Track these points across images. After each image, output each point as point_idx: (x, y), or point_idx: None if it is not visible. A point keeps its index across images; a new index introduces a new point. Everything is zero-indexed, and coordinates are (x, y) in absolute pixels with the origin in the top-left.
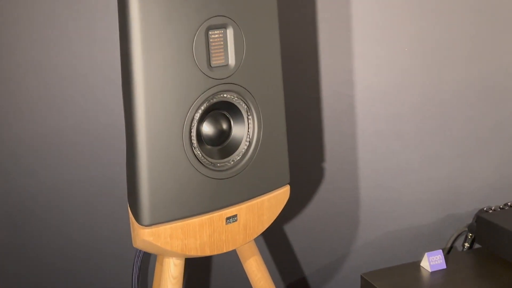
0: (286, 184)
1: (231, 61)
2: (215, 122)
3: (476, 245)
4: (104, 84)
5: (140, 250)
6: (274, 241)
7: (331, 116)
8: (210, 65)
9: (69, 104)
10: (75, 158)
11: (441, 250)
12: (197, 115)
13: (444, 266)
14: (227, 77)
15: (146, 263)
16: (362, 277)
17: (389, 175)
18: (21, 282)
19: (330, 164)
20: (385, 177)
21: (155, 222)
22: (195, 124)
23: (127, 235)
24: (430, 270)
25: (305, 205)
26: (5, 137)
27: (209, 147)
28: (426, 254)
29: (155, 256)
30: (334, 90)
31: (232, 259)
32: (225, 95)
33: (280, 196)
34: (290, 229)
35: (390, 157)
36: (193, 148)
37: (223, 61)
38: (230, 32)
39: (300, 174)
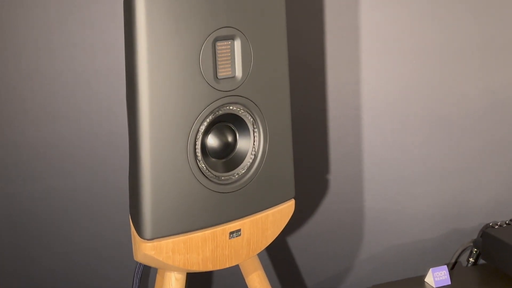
0: (291, 198)
1: (238, 73)
2: (220, 134)
3: (481, 261)
4: (108, 90)
5: (141, 263)
6: (276, 254)
7: (337, 127)
8: (217, 77)
9: (73, 110)
10: (79, 163)
11: (445, 266)
12: (202, 127)
13: (449, 282)
14: (233, 89)
15: (147, 273)
16: None
17: (394, 187)
18: (20, 285)
19: (335, 176)
20: (390, 189)
21: (157, 236)
22: (200, 137)
23: (130, 242)
24: (434, 286)
25: (308, 217)
26: (8, 142)
27: (213, 160)
28: (430, 269)
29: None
30: (341, 102)
31: (233, 271)
32: (231, 108)
33: (284, 211)
34: (293, 242)
35: (395, 169)
36: (198, 160)
37: (230, 73)
38: (237, 44)
39: (304, 186)
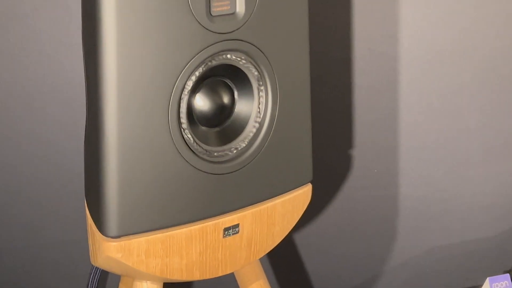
0: (308, 182)
1: (240, 8)
2: (213, 93)
3: None
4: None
5: (98, 268)
6: (280, 256)
7: (364, 85)
8: (210, 13)
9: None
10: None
11: (507, 275)
12: (190, 84)
13: None
14: (233, 31)
15: (104, 278)
16: None
17: (439, 170)
18: None
19: (360, 152)
20: (433, 173)
21: (126, 232)
22: (186, 96)
23: (84, 241)
24: None
25: (323, 209)
26: None
27: (203, 128)
28: (487, 279)
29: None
30: (370, 49)
31: (226, 280)
32: (228, 56)
33: (298, 200)
34: (302, 240)
35: (441, 147)
36: (182, 129)
37: (229, 8)
38: None
39: (318, 165)
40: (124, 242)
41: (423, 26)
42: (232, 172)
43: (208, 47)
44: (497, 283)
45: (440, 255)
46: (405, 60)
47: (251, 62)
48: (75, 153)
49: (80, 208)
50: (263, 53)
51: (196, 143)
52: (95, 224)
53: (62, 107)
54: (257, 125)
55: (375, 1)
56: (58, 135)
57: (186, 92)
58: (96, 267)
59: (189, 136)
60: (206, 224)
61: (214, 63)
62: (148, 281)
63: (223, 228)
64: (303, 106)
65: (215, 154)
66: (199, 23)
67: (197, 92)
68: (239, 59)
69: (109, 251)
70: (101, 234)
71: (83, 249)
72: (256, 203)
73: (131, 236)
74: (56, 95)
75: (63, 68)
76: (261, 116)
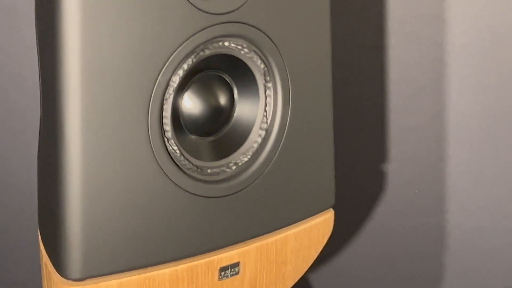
0: (329, 207)
1: None
2: (206, 92)
3: None
4: None
5: None
6: None
7: (402, 81)
8: None
9: None
10: None
11: None
12: (176, 79)
13: None
14: (232, 11)
15: None
16: None
17: (500, 192)
18: None
19: (396, 167)
20: (492, 195)
21: (93, 274)
22: (171, 96)
23: (37, 279)
24: None
25: (348, 242)
26: None
27: (194, 138)
28: None
29: None
30: (409, 33)
31: None
32: (226, 44)
33: (317, 230)
34: (321, 285)
35: (502, 161)
36: (165, 139)
37: None
38: None
39: (342, 186)
40: (90, 287)
41: (477, 2)
42: (230, 194)
43: (199, 31)
44: None
45: None
46: (455, 48)
47: (255, 52)
48: (26, 170)
49: (32, 241)
50: (270, 39)
51: (184, 157)
52: (51, 262)
53: (7, 110)
54: (263, 133)
55: None
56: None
57: (171, 90)
58: None
59: (175, 147)
60: (197, 262)
61: (207, 52)
62: None
63: (218, 268)
64: (323, 108)
65: (209, 171)
66: (189, 0)
67: (185, 91)
68: (239, 47)
69: None
70: (59, 276)
71: None
72: (261, 235)
73: (99, 279)
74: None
75: (7, 57)
76: (269, 122)
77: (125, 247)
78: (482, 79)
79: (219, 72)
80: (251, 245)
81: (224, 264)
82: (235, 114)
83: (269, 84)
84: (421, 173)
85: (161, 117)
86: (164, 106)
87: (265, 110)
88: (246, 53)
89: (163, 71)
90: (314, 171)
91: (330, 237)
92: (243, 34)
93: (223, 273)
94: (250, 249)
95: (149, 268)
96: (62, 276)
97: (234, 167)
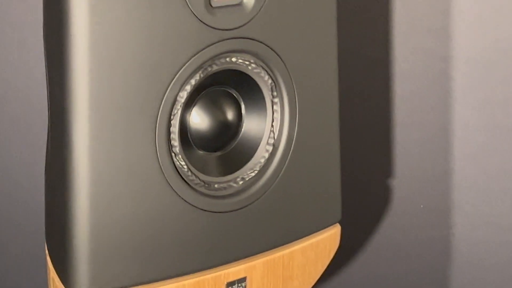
0: (335, 222)
1: None
2: (214, 108)
3: None
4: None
5: None
6: None
7: (407, 94)
8: (210, 4)
9: None
10: None
11: None
12: (183, 95)
13: None
14: (239, 27)
15: None
16: None
17: (505, 205)
18: None
19: (401, 182)
20: (498, 208)
21: None
22: (179, 111)
23: None
24: None
25: (355, 257)
26: None
27: (201, 153)
28: None
29: None
30: (416, 46)
31: None
32: (234, 59)
33: (323, 245)
34: None
35: (508, 176)
36: (173, 154)
37: None
38: None
39: (348, 201)
40: None
41: (483, 16)
42: (237, 209)
43: (207, 47)
44: None
45: None
46: (460, 62)
47: (262, 67)
48: (33, 185)
49: (39, 255)
50: (278, 54)
51: (191, 172)
52: (59, 276)
53: (15, 124)
54: (270, 148)
55: None
56: (10, 161)
57: (178, 106)
58: None
59: (182, 163)
60: (204, 277)
61: (215, 68)
62: None
63: (225, 283)
64: (330, 123)
65: (216, 186)
66: (196, 16)
67: (193, 106)
68: (247, 63)
69: None
70: None
71: None
72: (268, 250)
73: None
74: (7, 108)
75: (17, 72)
76: (276, 137)
77: (133, 262)
78: (487, 93)
79: (226, 87)
80: (258, 260)
81: (231, 279)
82: (243, 129)
83: (276, 100)
84: (426, 187)
85: (168, 133)
86: (172, 122)
87: (272, 125)
88: (253, 68)
89: (170, 86)
90: (320, 186)
91: (336, 252)
92: (251, 50)
93: (230, 287)
94: (257, 264)
95: (156, 284)
96: None
97: (241, 182)
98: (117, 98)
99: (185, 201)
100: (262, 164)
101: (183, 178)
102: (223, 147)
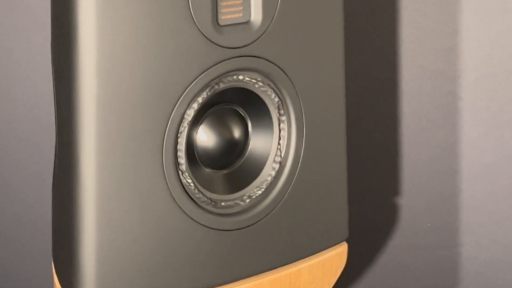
0: (342, 241)
1: (255, 15)
2: (221, 126)
3: None
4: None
5: None
6: None
7: (415, 114)
8: (218, 23)
9: None
10: None
11: None
12: (190, 113)
13: None
14: (246, 45)
15: None
16: None
17: None
18: None
19: (409, 200)
20: (507, 228)
21: None
22: (186, 129)
23: None
24: None
25: (362, 275)
26: None
27: (208, 171)
28: None
29: None
30: (423, 67)
31: None
32: (241, 77)
33: (330, 263)
34: None
35: None
36: (180, 172)
37: (241, 15)
38: None
39: (355, 219)
40: None
41: (490, 37)
42: (244, 227)
43: (214, 65)
44: None
45: None
46: (468, 81)
47: (269, 85)
48: (40, 202)
49: (46, 271)
50: (285, 73)
51: (198, 190)
52: None
53: (21, 142)
54: (277, 166)
55: (428, 4)
56: (18, 178)
57: (185, 124)
58: None
59: (189, 180)
60: None
61: (222, 86)
62: None
63: None
64: (337, 141)
65: (223, 204)
66: (203, 34)
67: (200, 124)
68: (254, 81)
69: None
70: None
71: None
72: (275, 268)
73: None
74: (15, 125)
75: (25, 90)
76: (283, 155)
77: (139, 280)
78: (495, 113)
79: (233, 105)
80: (265, 278)
81: None
82: (249, 147)
83: (283, 118)
84: (433, 206)
85: (175, 150)
86: (179, 140)
87: (279, 144)
88: (260, 86)
89: (177, 104)
90: (327, 205)
91: (343, 270)
92: (258, 68)
93: None
94: (263, 282)
95: None
96: None
97: (248, 200)
98: (124, 115)
99: (192, 219)
100: (269, 182)
101: (189, 196)
102: (230, 165)
